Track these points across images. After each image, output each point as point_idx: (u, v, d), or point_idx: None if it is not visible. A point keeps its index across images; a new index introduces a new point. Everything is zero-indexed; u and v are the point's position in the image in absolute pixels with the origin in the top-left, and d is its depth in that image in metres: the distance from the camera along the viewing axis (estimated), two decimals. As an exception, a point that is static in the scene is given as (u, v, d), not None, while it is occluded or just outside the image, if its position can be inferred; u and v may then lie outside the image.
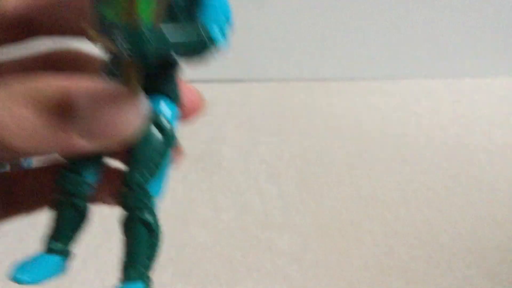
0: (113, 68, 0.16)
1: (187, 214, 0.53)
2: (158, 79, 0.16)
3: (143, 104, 0.15)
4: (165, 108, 0.16)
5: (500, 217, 0.54)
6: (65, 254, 0.17)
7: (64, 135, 0.14)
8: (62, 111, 0.14)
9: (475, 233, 0.52)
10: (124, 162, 0.16)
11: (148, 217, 0.16)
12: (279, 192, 0.57)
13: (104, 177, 0.18)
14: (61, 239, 0.17)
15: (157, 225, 0.17)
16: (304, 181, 0.60)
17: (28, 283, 0.16)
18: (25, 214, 0.21)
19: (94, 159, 0.17)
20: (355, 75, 0.83)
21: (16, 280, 0.16)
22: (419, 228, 0.53)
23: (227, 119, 0.75)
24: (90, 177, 0.17)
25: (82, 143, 0.15)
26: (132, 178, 0.16)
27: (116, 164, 0.19)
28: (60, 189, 0.17)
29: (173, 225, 0.50)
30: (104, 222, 0.53)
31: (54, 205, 0.17)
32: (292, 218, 0.54)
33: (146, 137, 0.16)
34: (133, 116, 0.15)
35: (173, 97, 0.17)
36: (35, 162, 0.19)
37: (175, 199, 0.55)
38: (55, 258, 0.17)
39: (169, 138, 0.16)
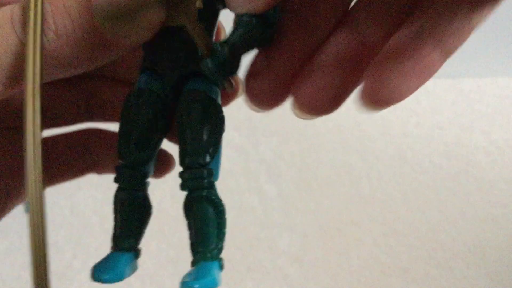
0: None
1: (187, 214, 0.53)
2: (198, 61, 0.17)
3: None
4: (214, 92, 0.17)
5: (500, 217, 0.54)
6: (136, 250, 0.17)
7: (91, 34, 0.14)
8: (85, 7, 0.14)
9: (475, 233, 0.52)
10: (181, 144, 0.16)
11: (214, 197, 0.16)
12: (279, 192, 0.57)
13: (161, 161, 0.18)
14: (130, 236, 0.17)
15: (222, 205, 0.17)
16: (304, 181, 0.60)
17: (110, 281, 0.16)
18: (60, 182, 0.21)
19: (150, 144, 0.17)
20: (355, 75, 0.83)
21: (98, 280, 0.16)
22: (419, 228, 0.53)
23: (227, 119, 0.74)
24: (146, 167, 0.17)
25: (109, 40, 0.15)
26: (195, 160, 0.16)
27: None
28: (120, 186, 0.17)
29: (173, 225, 0.50)
30: (104, 222, 0.53)
31: (116, 204, 0.17)
32: (292, 218, 0.54)
33: (204, 119, 0.16)
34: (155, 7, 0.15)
35: (217, 79, 0.17)
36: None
37: (175, 199, 0.55)
38: (128, 255, 0.17)
39: (223, 120, 0.17)
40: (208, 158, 0.16)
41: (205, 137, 0.16)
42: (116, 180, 0.17)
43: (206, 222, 0.16)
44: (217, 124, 0.17)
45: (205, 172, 0.16)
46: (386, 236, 0.51)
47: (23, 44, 0.14)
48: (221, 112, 0.17)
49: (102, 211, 0.53)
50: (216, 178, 0.17)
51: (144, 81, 0.18)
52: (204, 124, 0.16)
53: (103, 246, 0.50)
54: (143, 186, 0.17)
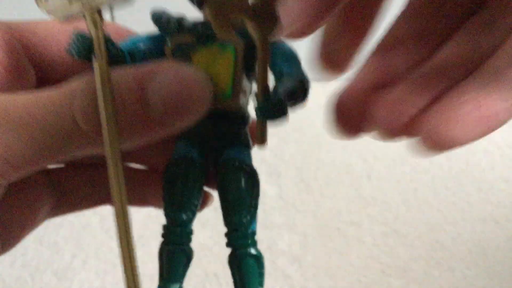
0: (182, 52, 0.18)
1: (187, 214, 0.53)
2: (237, 133, 0.20)
3: (208, 83, 0.17)
4: (248, 158, 0.20)
5: (500, 217, 0.54)
6: None
7: (141, 123, 0.16)
8: (139, 100, 0.15)
9: (475, 233, 0.52)
10: (223, 207, 0.20)
11: (256, 252, 0.20)
12: (279, 192, 0.57)
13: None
14: (175, 279, 0.20)
15: (262, 256, 0.20)
16: (304, 181, 0.60)
17: None
18: (77, 211, 0.23)
19: (192, 206, 0.20)
20: (355, 75, 0.83)
21: None
22: (419, 228, 0.53)
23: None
24: (191, 224, 0.20)
25: (155, 128, 0.16)
26: (239, 221, 0.19)
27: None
28: (168, 241, 0.20)
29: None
30: (104, 222, 0.53)
31: (163, 255, 0.20)
32: (292, 218, 0.54)
33: (244, 187, 0.19)
34: (200, 97, 0.16)
35: (248, 144, 0.20)
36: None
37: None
38: None
39: (259, 183, 0.20)
40: (251, 220, 0.19)
41: (246, 202, 0.19)
42: (164, 237, 0.20)
43: (250, 275, 0.20)
44: (255, 188, 0.19)
45: (249, 232, 0.19)
46: (386, 236, 0.51)
47: (78, 127, 0.15)
48: (257, 176, 0.20)
49: (102, 211, 0.53)
50: (255, 231, 0.20)
51: (182, 149, 0.20)
52: (244, 191, 0.19)
53: (103, 246, 0.50)
54: (188, 240, 0.20)
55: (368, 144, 0.67)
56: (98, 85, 0.15)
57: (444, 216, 0.54)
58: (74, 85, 0.15)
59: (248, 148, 0.20)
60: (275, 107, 0.17)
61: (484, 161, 0.64)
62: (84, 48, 0.16)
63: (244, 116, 0.20)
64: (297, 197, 0.57)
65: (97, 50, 0.15)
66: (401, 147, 0.67)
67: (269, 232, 0.52)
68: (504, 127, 0.62)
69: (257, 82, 0.17)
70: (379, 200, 0.56)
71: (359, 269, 0.47)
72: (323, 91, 0.87)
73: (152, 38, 0.19)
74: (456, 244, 0.50)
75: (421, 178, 0.61)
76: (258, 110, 0.17)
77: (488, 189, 0.59)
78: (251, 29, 0.16)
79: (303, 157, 0.64)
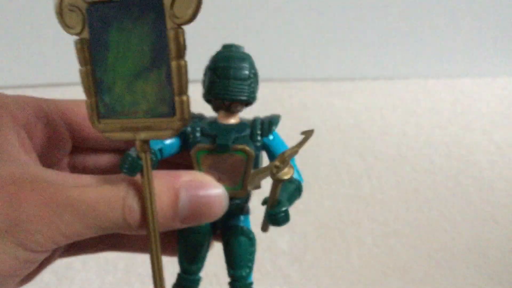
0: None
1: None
2: (241, 208, 0.26)
3: (224, 191, 0.22)
4: (247, 223, 0.26)
5: (500, 217, 0.54)
6: None
7: (169, 221, 0.20)
8: (172, 205, 0.20)
9: (475, 233, 0.52)
10: (228, 262, 0.26)
11: None
12: (279, 192, 0.57)
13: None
14: None
15: None
16: (304, 181, 0.60)
17: None
18: (83, 254, 0.28)
19: (202, 259, 0.26)
20: (355, 75, 0.83)
21: None
22: (419, 228, 0.53)
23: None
24: (200, 272, 0.25)
25: (179, 225, 0.21)
26: (240, 275, 0.25)
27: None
28: (180, 285, 0.25)
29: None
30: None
31: None
32: (292, 218, 0.54)
33: (245, 246, 0.25)
34: (219, 201, 0.21)
35: (248, 212, 0.27)
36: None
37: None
38: None
39: (255, 242, 0.26)
40: (249, 273, 0.25)
41: (246, 259, 0.25)
42: (177, 281, 0.25)
43: None
44: (252, 247, 0.26)
45: (248, 282, 0.25)
46: (386, 236, 0.51)
47: (124, 219, 0.20)
48: (254, 237, 0.26)
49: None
50: (252, 281, 0.25)
51: None
52: (244, 251, 0.25)
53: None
54: (197, 285, 0.26)
55: (368, 144, 0.67)
56: (146, 194, 0.20)
57: (444, 216, 0.54)
58: (125, 190, 0.20)
59: (248, 214, 0.26)
60: (283, 218, 0.23)
61: (484, 161, 0.64)
62: (134, 169, 0.20)
63: (248, 196, 0.26)
64: (297, 197, 0.57)
65: (145, 171, 0.20)
66: (401, 147, 0.67)
67: (269, 232, 0.51)
68: (504, 127, 0.62)
69: (269, 200, 0.23)
70: (379, 200, 0.56)
71: (359, 269, 0.47)
72: (323, 91, 0.87)
73: None
74: (456, 244, 0.51)
75: (421, 178, 0.61)
76: (268, 219, 0.23)
77: (488, 189, 0.59)
78: (271, 175, 0.22)
79: (303, 157, 0.64)
